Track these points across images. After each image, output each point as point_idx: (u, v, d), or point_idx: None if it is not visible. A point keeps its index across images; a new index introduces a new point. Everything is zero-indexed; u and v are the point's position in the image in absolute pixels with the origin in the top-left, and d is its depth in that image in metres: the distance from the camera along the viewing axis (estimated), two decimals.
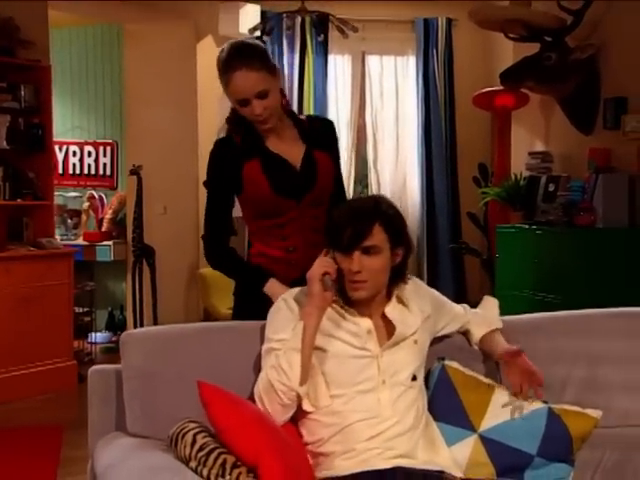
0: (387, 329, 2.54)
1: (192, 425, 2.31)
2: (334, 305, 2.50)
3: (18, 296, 6.22)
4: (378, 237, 2.47)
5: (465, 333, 2.81)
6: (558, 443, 2.60)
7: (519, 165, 7.29)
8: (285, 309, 2.53)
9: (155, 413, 2.50)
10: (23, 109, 6.55)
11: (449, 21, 8.77)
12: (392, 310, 2.56)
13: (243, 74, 2.82)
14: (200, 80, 8.24)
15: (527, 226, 6.57)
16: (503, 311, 2.89)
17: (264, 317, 2.60)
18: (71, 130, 9.23)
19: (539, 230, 6.40)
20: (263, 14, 8.05)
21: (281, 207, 2.95)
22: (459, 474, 2.52)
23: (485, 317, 2.82)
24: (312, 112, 8.46)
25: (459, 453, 2.57)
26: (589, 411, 2.66)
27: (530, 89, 6.75)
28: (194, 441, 2.24)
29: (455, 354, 2.75)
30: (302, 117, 3.17)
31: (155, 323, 7.55)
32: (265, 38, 7.88)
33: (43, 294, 6.43)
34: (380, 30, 8.73)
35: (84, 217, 9.00)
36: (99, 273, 9.07)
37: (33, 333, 6.29)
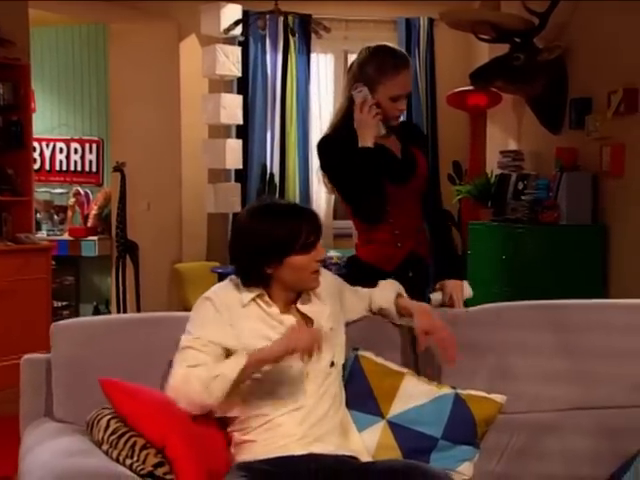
0: (305, 323, 2.67)
1: (107, 411, 2.46)
2: (260, 302, 2.61)
3: None
4: None
5: (378, 311, 2.95)
6: (463, 427, 2.74)
7: (493, 163, 7.42)
8: (212, 309, 2.58)
9: (79, 400, 2.63)
10: (1, 107, 6.69)
11: (431, 21, 8.85)
12: (304, 304, 2.69)
13: (409, 73, 3.25)
14: (183, 79, 8.38)
15: (496, 223, 6.71)
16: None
17: None
18: (58, 127, 9.38)
19: (507, 227, 6.52)
20: (245, 14, 8.17)
21: (388, 192, 3.23)
22: (369, 459, 2.65)
23: (386, 285, 3.00)
24: (295, 111, 8.62)
25: (368, 438, 2.70)
26: (494, 396, 2.79)
27: (499, 89, 6.88)
28: (107, 426, 2.40)
29: (372, 344, 2.88)
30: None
31: None
32: (241, 38, 8.01)
33: (21, 288, 6.56)
34: (362, 29, 8.86)
35: (70, 213, 9.15)
36: (85, 268, 9.23)
37: (10, 327, 6.42)
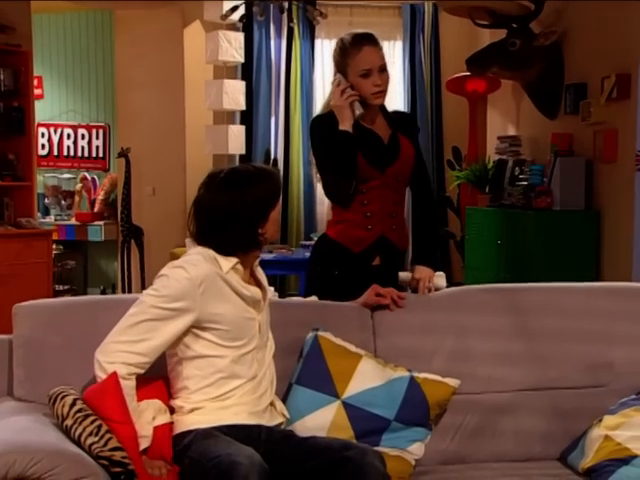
0: (260, 289, 2.76)
1: (73, 392, 2.51)
2: (233, 272, 2.64)
3: None
4: None
5: None
6: (416, 409, 2.80)
7: (494, 149, 7.42)
8: (185, 277, 2.54)
9: (38, 379, 2.71)
10: (2, 93, 6.77)
11: (435, 7, 8.86)
12: (257, 272, 2.80)
13: (371, 49, 3.33)
14: (187, 65, 8.45)
15: (492, 208, 6.72)
16: None
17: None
18: (65, 113, 9.47)
19: (502, 212, 6.54)
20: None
21: (366, 174, 3.32)
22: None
23: None
24: (299, 97, 8.67)
25: (322, 417, 2.77)
26: (448, 380, 2.85)
27: (495, 74, 6.88)
28: (74, 403, 2.44)
29: (332, 325, 2.95)
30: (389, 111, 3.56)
31: None
32: (239, 24, 8.06)
33: (22, 272, 6.66)
34: (367, 15, 8.88)
35: (77, 198, 9.24)
36: (92, 252, 9.33)
37: (10, 310, 6.50)
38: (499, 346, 2.98)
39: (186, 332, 2.58)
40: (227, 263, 2.63)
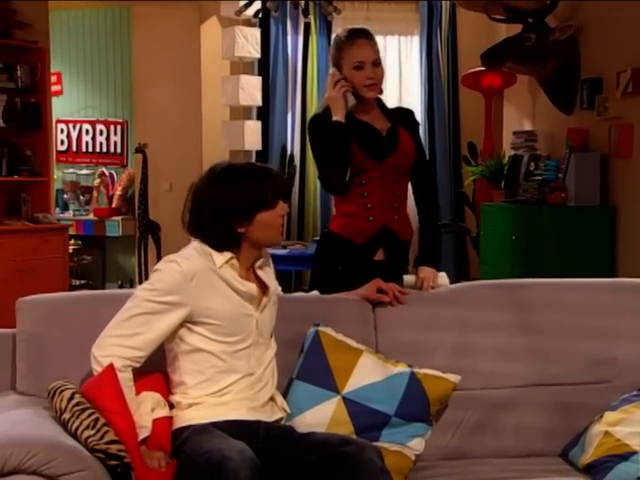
0: (262, 289, 2.75)
1: (72, 386, 2.53)
2: (228, 267, 2.65)
3: (11, 269, 6.51)
4: None
5: None
6: (416, 404, 2.79)
7: (509, 144, 7.39)
8: (177, 271, 2.58)
9: (40, 374, 2.72)
10: (19, 89, 6.83)
11: (453, 2, 8.83)
12: (261, 272, 2.77)
13: (365, 43, 3.39)
14: (204, 61, 8.48)
15: (507, 204, 6.70)
16: None
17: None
18: (84, 109, 9.54)
19: (517, 208, 6.52)
20: None
21: (363, 165, 3.33)
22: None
23: None
24: (315, 93, 8.67)
25: (323, 412, 2.77)
26: (448, 376, 2.84)
27: (510, 69, 6.84)
28: (72, 397, 2.46)
29: (333, 320, 2.95)
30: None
31: None
32: (254, 20, 8.07)
33: (38, 267, 6.72)
34: (384, 10, 8.86)
35: (95, 193, 9.31)
36: (110, 248, 9.39)
37: None
38: (501, 342, 2.97)
39: (181, 326, 2.59)
40: (221, 258, 2.63)
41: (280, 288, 3.00)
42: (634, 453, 2.54)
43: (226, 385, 2.61)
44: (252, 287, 2.69)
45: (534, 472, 2.70)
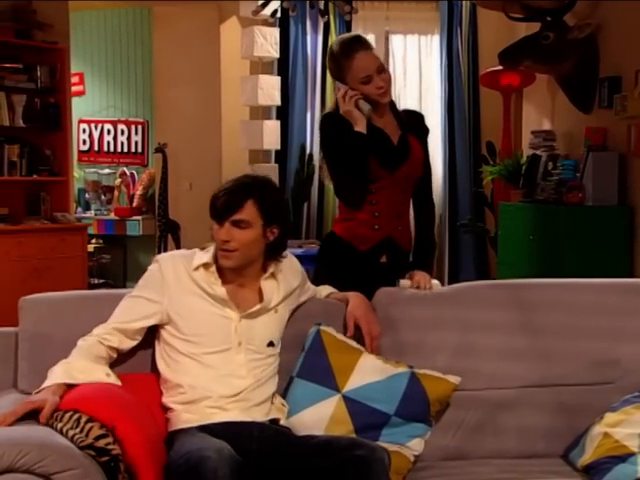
0: (259, 298, 2.76)
1: None
2: (209, 270, 2.70)
3: (30, 267, 6.56)
4: (249, 212, 2.68)
5: None
6: (416, 405, 2.79)
7: (527, 143, 7.35)
8: (158, 274, 2.72)
9: (41, 373, 2.69)
10: (39, 89, 6.88)
11: (473, 1, 8.79)
12: (264, 283, 2.78)
13: (363, 54, 3.27)
14: (223, 61, 8.50)
15: (525, 204, 6.66)
16: None
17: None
18: (106, 109, 9.59)
19: (535, 208, 6.48)
20: None
21: (376, 174, 3.29)
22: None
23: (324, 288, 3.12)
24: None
25: (322, 411, 2.76)
26: (449, 377, 2.83)
27: (528, 68, 6.80)
28: None
29: (335, 321, 2.94)
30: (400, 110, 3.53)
31: None
32: (271, 20, 8.07)
33: (57, 266, 6.78)
34: (404, 10, 8.82)
35: (116, 193, 9.37)
36: (131, 247, 9.44)
37: None
38: (503, 342, 2.95)
39: (164, 329, 2.69)
40: (197, 260, 2.72)
41: (305, 298, 2.99)
42: (632, 454, 2.52)
43: (211, 388, 2.62)
44: (221, 291, 2.70)
45: (533, 473, 2.69)
